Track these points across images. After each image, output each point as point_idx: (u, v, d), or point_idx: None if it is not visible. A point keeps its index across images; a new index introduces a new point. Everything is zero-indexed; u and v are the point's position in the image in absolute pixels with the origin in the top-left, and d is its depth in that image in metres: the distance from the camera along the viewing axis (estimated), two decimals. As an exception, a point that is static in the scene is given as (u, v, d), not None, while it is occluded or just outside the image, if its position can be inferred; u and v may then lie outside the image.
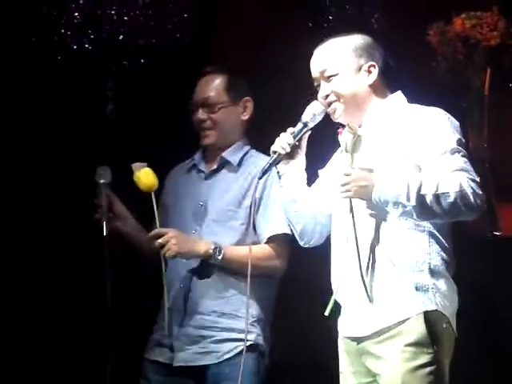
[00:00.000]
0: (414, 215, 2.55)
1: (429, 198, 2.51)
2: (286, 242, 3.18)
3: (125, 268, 3.94)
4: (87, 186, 3.24)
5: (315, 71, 2.81)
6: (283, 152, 2.82)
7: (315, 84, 2.82)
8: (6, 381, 3.96)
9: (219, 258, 3.13)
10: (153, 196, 3.15)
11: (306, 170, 2.90)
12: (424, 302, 2.60)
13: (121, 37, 4.08)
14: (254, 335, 3.14)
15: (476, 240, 3.75)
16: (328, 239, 2.86)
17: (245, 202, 3.21)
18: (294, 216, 2.89)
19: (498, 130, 4.03)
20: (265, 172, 2.83)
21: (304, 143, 2.87)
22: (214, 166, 3.31)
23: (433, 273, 2.62)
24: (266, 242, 3.17)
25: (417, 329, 2.58)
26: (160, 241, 3.11)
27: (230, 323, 3.16)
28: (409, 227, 2.62)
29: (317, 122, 2.83)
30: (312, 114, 2.81)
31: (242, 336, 3.10)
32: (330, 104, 2.78)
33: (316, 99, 2.82)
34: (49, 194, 4.19)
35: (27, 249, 4.16)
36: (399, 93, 2.82)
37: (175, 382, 3.20)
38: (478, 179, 2.56)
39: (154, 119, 4.17)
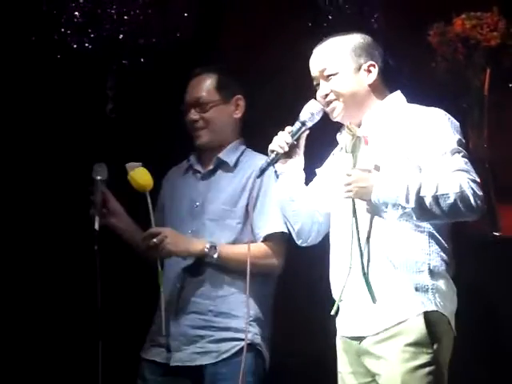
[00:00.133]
0: (414, 217, 2.55)
1: (428, 200, 2.51)
2: (282, 241, 3.18)
3: (121, 268, 3.96)
4: (86, 184, 3.25)
5: (315, 70, 2.81)
6: (281, 151, 2.82)
7: (314, 83, 2.82)
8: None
9: (215, 256, 3.13)
10: (147, 196, 3.16)
11: (304, 169, 2.89)
12: (424, 302, 2.60)
13: (121, 36, 4.08)
14: (252, 334, 3.14)
15: (476, 240, 3.75)
16: (325, 238, 2.86)
17: (241, 202, 3.21)
18: (292, 215, 2.89)
19: (497, 130, 4.03)
20: (263, 171, 2.84)
21: (302, 142, 2.87)
22: (211, 167, 3.31)
23: (432, 273, 2.62)
24: (262, 241, 3.18)
25: (416, 329, 2.58)
26: (155, 240, 3.12)
27: (227, 322, 3.16)
28: (409, 228, 2.62)
29: (315, 121, 2.83)
30: (310, 113, 2.81)
31: (239, 335, 3.11)
32: (329, 103, 2.78)
33: (315, 98, 2.82)
34: (48, 192, 4.20)
35: (23, 245, 4.18)
36: (398, 92, 2.82)
37: (172, 381, 3.19)
38: (478, 180, 2.56)
39: (154, 118, 4.17)
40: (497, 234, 3.93)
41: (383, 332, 2.61)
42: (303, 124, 2.83)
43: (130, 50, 4.13)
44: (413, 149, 2.62)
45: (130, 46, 4.12)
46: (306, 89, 2.87)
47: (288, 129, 2.83)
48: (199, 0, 4.24)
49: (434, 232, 2.64)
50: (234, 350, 3.12)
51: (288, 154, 2.84)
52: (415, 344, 2.58)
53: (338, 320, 2.77)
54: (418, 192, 2.51)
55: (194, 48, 4.19)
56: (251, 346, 3.10)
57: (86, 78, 4.23)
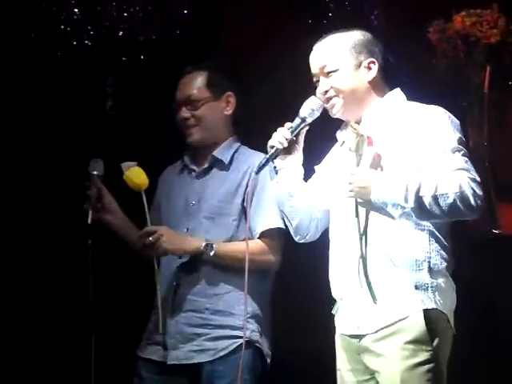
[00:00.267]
0: (414, 216, 2.55)
1: (427, 200, 2.50)
2: (279, 237, 3.19)
3: (117, 266, 3.96)
4: (83, 180, 3.26)
5: (315, 67, 2.80)
6: (280, 147, 2.81)
7: (314, 79, 2.82)
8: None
9: (211, 254, 3.14)
10: (143, 194, 3.16)
11: (303, 165, 2.89)
12: (423, 300, 2.59)
13: (120, 33, 4.08)
14: (249, 331, 3.13)
15: (476, 238, 3.75)
16: (325, 234, 2.86)
17: (236, 199, 3.22)
18: (290, 211, 2.89)
19: (497, 128, 4.02)
20: (262, 167, 2.83)
21: (301, 138, 2.87)
22: (205, 165, 3.32)
23: (432, 271, 2.62)
24: (259, 237, 3.18)
25: (416, 326, 2.58)
26: (151, 238, 3.12)
27: (224, 320, 3.16)
28: (409, 226, 2.62)
29: (315, 117, 2.83)
30: (310, 109, 2.81)
31: (236, 333, 3.12)
32: (328, 100, 2.78)
33: (315, 95, 2.81)
34: (48, 189, 4.20)
35: (18, 238, 4.18)
36: (398, 90, 2.81)
37: (169, 380, 3.19)
38: (478, 179, 2.55)
39: (154, 115, 4.16)
40: (496, 231, 3.93)
41: (383, 329, 2.61)
42: (303, 120, 2.83)
43: (129, 47, 4.13)
44: (413, 147, 2.61)
45: (130, 43, 4.12)
46: (306, 86, 2.87)
47: (288, 125, 2.83)
48: (198, -3, 4.25)
49: (434, 230, 2.64)
50: (231, 348, 3.12)
51: (287, 150, 2.84)
52: (415, 341, 2.58)
53: (337, 318, 2.77)
54: (418, 192, 2.51)
55: (193, 45, 4.19)
56: (249, 343, 3.10)
57: (86, 75, 4.23)
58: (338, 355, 2.78)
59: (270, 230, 3.17)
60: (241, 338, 3.07)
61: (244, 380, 2.99)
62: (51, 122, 4.28)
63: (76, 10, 4.08)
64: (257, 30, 4.21)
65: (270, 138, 2.85)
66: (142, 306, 3.36)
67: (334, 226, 2.79)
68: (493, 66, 3.96)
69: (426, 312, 2.59)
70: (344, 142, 2.82)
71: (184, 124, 3.31)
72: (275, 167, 2.89)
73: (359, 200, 2.61)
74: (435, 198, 2.50)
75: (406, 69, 3.40)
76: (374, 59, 2.77)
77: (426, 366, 2.57)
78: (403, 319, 2.59)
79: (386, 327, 2.60)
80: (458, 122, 2.68)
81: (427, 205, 2.51)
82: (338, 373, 2.78)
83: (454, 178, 2.51)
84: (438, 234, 2.65)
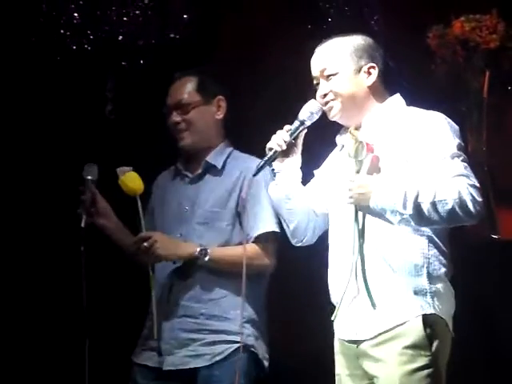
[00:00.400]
0: (413, 222, 2.55)
1: (426, 207, 2.50)
2: (274, 240, 3.19)
3: (111, 272, 3.95)
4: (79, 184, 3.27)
5: (315, 70, 2.81)
6: (279, 149, 2.81)
7: (315, 82, 2.82)
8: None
9: (206, 259, 3.14)
10: (138, 199, 3.17)
11: (302, 169, 2.89)
12: (422, 305, 2.59)
13: (120, 37, 4.08)
14: (245, 336, 3.13)
15: (475, 244, 3.75)
16: (324, 238, 2.86)
17: (230, 203, 3.22)
18: (288, 214, 2.89)
19: (496, 133, 4.03)
20: (260, 169, 2.82)
21: (300, 141, 2.87)
22: (199, 171, 3.31)
23: (431, 277, 2.61)
24: (254, 241, 3.17)
25: (415, 331, 2.58)
26: (145, 244, 3.12)
27: (219, 325, 3.15)
28: (408, 232, 2.61)
29: (314, 120, 2.82)
30: (309, 112, 2.81)
31: (231, 338, 3.12)
32: (327, 103, 2.78)
33: (315, 98, 2.82)
34: (44, 193, 4.21)
35: (11, 242, 4.18)
36: (398, 95, 2.81)
37: None
38: (478, 185, 2.55)
39: (153, 120, 4.16)
40: (495, 237, 3.93)
41: (381, 335, 2.61)
42: (302, 123, 2.82)
43: (129, 51, 4.13)
44: (412, 153, 2.61)
45: (130, 47, 4.12)
46: (306, 90, 2.87)
47: (287, 127, 2.83)
48: (199, 2, 4.25)
49: (433, 236, 2.64)
50: (227, 353, 3.12)
51: (286, 153, 2.84)
52: (413, 346, 2.57)
53: (335, 323, 2.77)
54: (416, 198, 2.51)
55: (193, 50, 4.19)
56: (244, 348, 3.09)
57: (86, 80, 4.23)
58: (336, 360, 2.77)
59: (264, 234, 3.17)
60: (236, 342, 3.08)
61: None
62: (50, 126, 4.28)
63: (76, 15, 4.08)
64: (256, 35, 4.21)
65: (268, 141, 2.85)
66: (136, 312, 3.35)
67: (333, 231, 2.79)
68: (492, 71, 3.97)
69: (425, 317, 2.58)
70: (343, 146, 2.82)
71: (175, 128, 3.31)
72: (273, 170, 2.89)
73: (358, 205, 2.61)
74: (434, 205, 2.50)
75: (405, 74, 3.40)
76: (374, 64, 2.77)
77: (425, 371, 2.57)
78: (402, 324, 2.59)
79: (384, 332, 2.60)
80: (457, 127, 2.68)
81: (426, 211, 2.50)
82: (337, 378, 2.77)
83: (452, 184, 2.51)
84: (436, 239, 2.64)
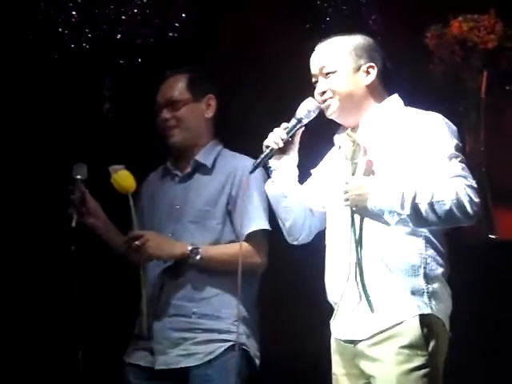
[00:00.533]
0: (411, 223, 2.55)
1: (423, 207, 2.50)
2: (264, 238, 3.20)
3: (103, 272, 3.95)
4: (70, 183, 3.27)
5: (314, 67, 2.81)
6: (276, 147, 2.80)
7: (313, 80, 2.81)
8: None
9: (197, 258, 3.14)
10: (130, 198, 3.16)
11: (300, 168, 2.89)
12: (419, 305, 2.59)
13: (118, 36, 4.08)
14: (236, 335, 3.12)
15: (472, 243, 3.75)
16: (320, 238, 2.86)
17: (220, 202, 3.23)
18: (284, 212, 2.88)
19: (494, 133, 4.03)
20: (256, 166, 2.82)
21: (297, 139, 2.86)
22: (188, 170, 3.32)
23: (428, 277, 2.62)
24: (244, 239, 3.16)
25: (412, 331, 2.58)
26: (137, 242, 3.12)
27: (211, 324, 3.16)
28: (405, 232, 2.61)
29: (311, 118, 2.82)
30: (307, 110, 2.80)
31: (223, 336, 3.13)
32: (324, 100, 2.78)
33: (313, 96, 2.82)
34: (38, 192, 4.21)
35: (2, 245, 4.17)
36: (396, 96, 2.81)
37: None
38: (475, 185, 2.55)
39: (150, 119, 4.16)
40: (493, 237, 3.94)
41: (378, 334, 2.61)
42: (299, 121, 2.82)
43: (127, 50, 4.13)
44: (410, 153, 2.61)
45: (128, 46, 4.12)
46: (305, 90, 2.86)
47: (284, 125, 2.83)
48: (197, 0, 4.24)
49: (430, 236, 2.64)
50: (218, 352, 3.13)
51: (282, 151, 2.83)
52: (410, 346, 2.57)
53: (332, 322, 2.77)
54: (414, 199, 2.51)
55: (191, 48, 4.19)
56: (236, 347, 3.10)
57: (84, 78, 4.23)
58: (333, 360, 2.77)
59: (255, 232, 3.18)
60: (228, 341, 3.10)
61: (232, 383, 2.99)
62: (47, 125, 4.28)
63: (74, 13, 4.07)
64: (255, 34, 4.21)
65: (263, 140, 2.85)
66: (128, 312, 3.34)
67: (331, 231, 2.79)
68: (490, 71, 3.97)
69: (422, 317, 2.58)
70: (341, 146, 2.82)
71: (164, 125, 3.31)
72: (270, 167, 2.88)
73: (355, 208, 2.61)
74: (431, 205, 2.50)
75: (403, 74, 3.40)
76: (373, 64, 2.76)
77: (422, 371, 2.57)
78: (398, 324, 2.59)
79: (381, 332, 2.60)
80: (455, 128, 2.68)
81: (423, 212, 2.50)
82: (334, 377, 2.77)
83: (450, 185, 2.51)
84: (433, 239, 2.65)
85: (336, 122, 2.82)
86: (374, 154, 2.65)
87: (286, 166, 2.86)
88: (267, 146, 2.81)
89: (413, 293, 2.60)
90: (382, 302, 2.61)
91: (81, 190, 3.23)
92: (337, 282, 2.70)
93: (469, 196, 2.50)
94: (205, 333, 3.15)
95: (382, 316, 2.61)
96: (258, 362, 3.22)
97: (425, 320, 2.59)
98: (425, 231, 2.63)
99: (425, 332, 2.58)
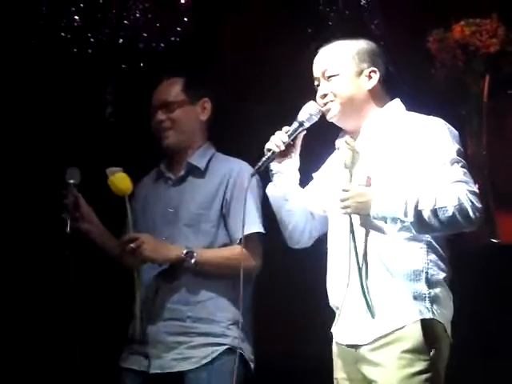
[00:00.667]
0: (413, 230, 2.55)
1: (426, 214, 2.50)
2: (259, 241, 3.20)
3: (97, 276, 3.94)
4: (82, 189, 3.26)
5: (317, 70, 2.81)
6: (277, 150, 2.80)
7: (316, 83, 2.82)
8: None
9: (192, 261, 3.13)
10: (126, 200, 3.16)
11: (301, 172, 2.89)
12: (421, 310, 2.59)
13: (120, 40, 4.09)
14: (231, 338, 3.13)
15: (474, 248, 3.74)
16: (320, 242, 2.86)
17: (214, 205, 3.22)
18: (285, 215, 2.88)
19: (496, 137, 4.03)
20: (258, 169, 2.81)
21: (298, 143, 2.86)
22: (182, 173, 3.31)
23: (430, 282, 2.62)
24: (239, 242, 3.14)
25: (413, 336, 2.58)
26: (132, 245, 3.11)
27: (206, 328, 3.15)
28: (406, 237, 2.61)
29: (313, 122, 2.82)
30: (308, 113, 2.80)
31: (218, 340, 3.13)
32: (326, 103, 2.78)
33: (314, 99, 2.82)
34: (35, 197, 4.20)
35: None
36: (397, 100, 2.81)
37: None
38: (477, 191, 2.55)
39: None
40: (495, 241, 3.93)
41: (380, 339, 2.61)
42: (301, 124, 2.82)
43: (129, 54, 4.14)
44: (412, 159, 2.61)
45: (130, 50, 4.12)
46: (306, 94, 2.87)
47: (285, 128, 2.83)
48: (199, 5, 4.25)
49: (432, 241, 2.64)
50: (213, 355, 3.13)
51: (284, 154, 2.83)
52: (412, 351, 2.57)
53: (334, 327, 2.77)
54: (416, 206, 2.51)
55: (193, 53, 4.19)
56: (231, 350, 3.11)
57: (86, 82, 4.23)
58: (335, 364, 2.77)
59: (250, 235, 3.14)
60: (223, 345, 3.10)
61: None
62: (50, 128, 4.28)
63: (76, 17, 4.08)
64: (256, 38, 4.22)
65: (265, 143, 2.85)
66: (123, 316, 3.33)
67: (332, 236, 2.79)
68: (492, 75, 3.97)
69: (424, 322, 2.58)
70: (340, 152, 2.82)
71: (159, 127, 3.31)
72: (271, 170, 2.88)
73: (357, 214, 2.60)
74: (434, 212, 2.50)
75: (405, 78, 3.40)
76: (375, 68, 2.77)
77: (424, 376, 2.57)
78: (400, 329, 2.59)
79: (383, 337, 2.60)
80: (456, 133, 2.68)
81: (426, 218, 2.51)
82: (335, 382, 2.77)
83: (452, 190, 2.51)
84: (435, 244, 2.64)
85: (338, 126, 2.82)
86: (375, 160, 2.65)
87: (287, 170, 2.86)
88: (269, 150, 2.81)
89: (414, 297, 2.60)
90: (383, 306, 2.61)
91: (74, 195, 3.22)
92: (338, 287, 2.70)
93: (471, 201, 2.51)
94: (200, 336, 3.15)
95: (383, 321, 2.61)
96: (252, 365, 3.21)
97: (426, 325, 2.58)
98: (427, 236, 2.63)
99: (426, 337, 2.57)
